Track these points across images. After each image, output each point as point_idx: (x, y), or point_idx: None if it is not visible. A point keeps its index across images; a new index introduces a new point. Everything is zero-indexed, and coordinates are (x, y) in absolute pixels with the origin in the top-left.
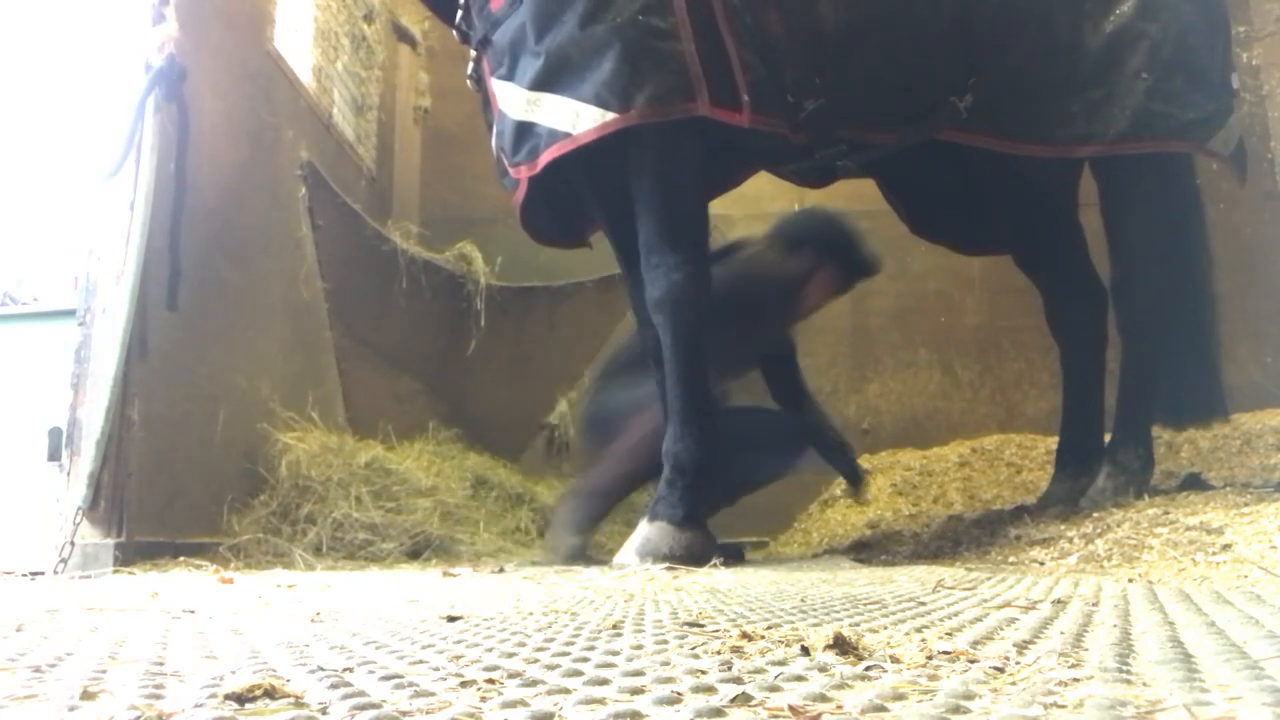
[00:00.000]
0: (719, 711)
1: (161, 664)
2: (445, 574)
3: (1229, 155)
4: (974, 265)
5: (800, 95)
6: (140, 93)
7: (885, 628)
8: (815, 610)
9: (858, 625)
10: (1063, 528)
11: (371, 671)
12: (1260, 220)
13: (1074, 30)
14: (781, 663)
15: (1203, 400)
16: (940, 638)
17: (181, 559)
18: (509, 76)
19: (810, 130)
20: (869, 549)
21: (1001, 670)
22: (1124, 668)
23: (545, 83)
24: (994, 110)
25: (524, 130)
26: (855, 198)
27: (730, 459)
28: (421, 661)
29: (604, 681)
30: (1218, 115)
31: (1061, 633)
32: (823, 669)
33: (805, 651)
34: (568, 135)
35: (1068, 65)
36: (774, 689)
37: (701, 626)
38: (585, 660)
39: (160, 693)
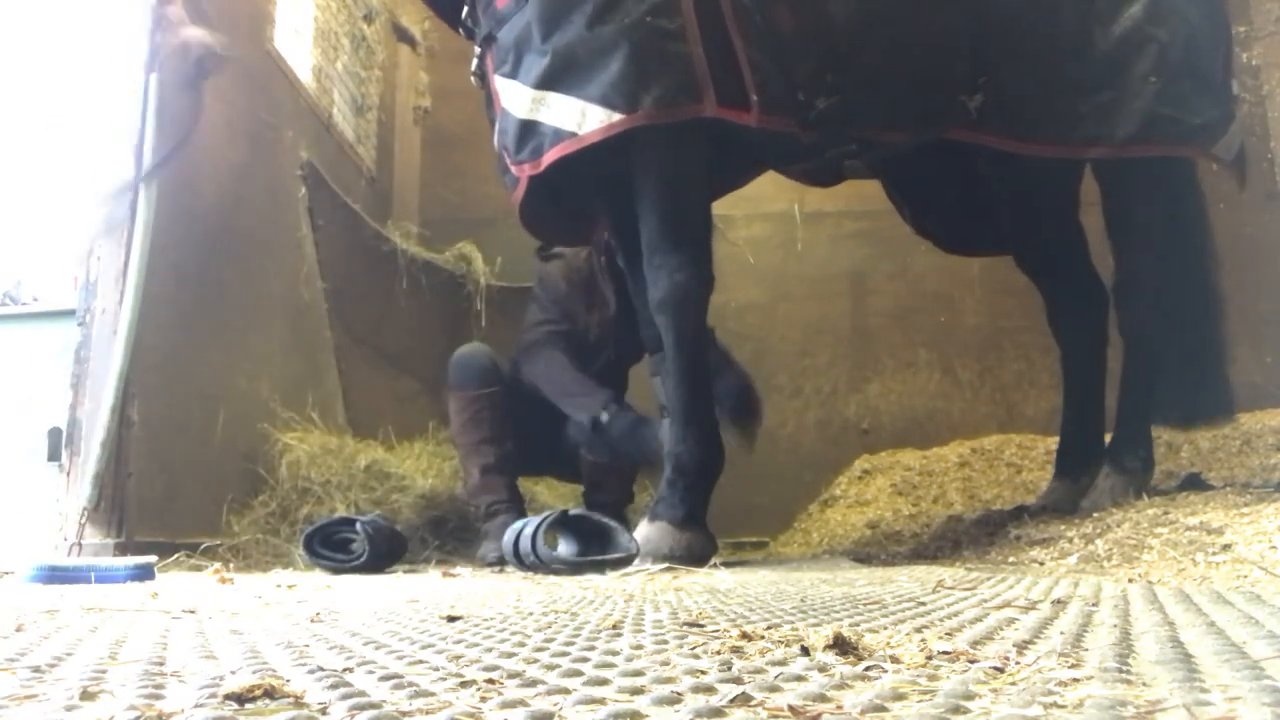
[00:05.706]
0: (719, 711)
1: (161, 664)
2: (445, 574)
3: (1231, 160)
4: (974, 265)
5: (811, 93)
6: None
7: (885, 628)
8: (815, 610)
9: (858, 625)
10: (1063, 528)
11: (371, 671)
12: (1260, 220)
13: (1083, 32)
14: (781, 663)
15: (1209, 400)
16: (940, 638)
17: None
18: (513, 74)
19: (821, 129)
20: (869, 549)
21: (1001, 670)
22: (1124, 668)
23: (551, 82)
24: (1003, 110)
25: (528, 129)
26: (856, 198)
27: None
28: (421, 661)
29: (604, 681)
30: (1222, 121)
31: (1061, 633)
32: (822, 669)
33: (805, 651)
34: (573, 135)
35: (1077, 66)
36: (774, 689)
37: (701, 626)
38: (585, 660)
39: (160, 693)
